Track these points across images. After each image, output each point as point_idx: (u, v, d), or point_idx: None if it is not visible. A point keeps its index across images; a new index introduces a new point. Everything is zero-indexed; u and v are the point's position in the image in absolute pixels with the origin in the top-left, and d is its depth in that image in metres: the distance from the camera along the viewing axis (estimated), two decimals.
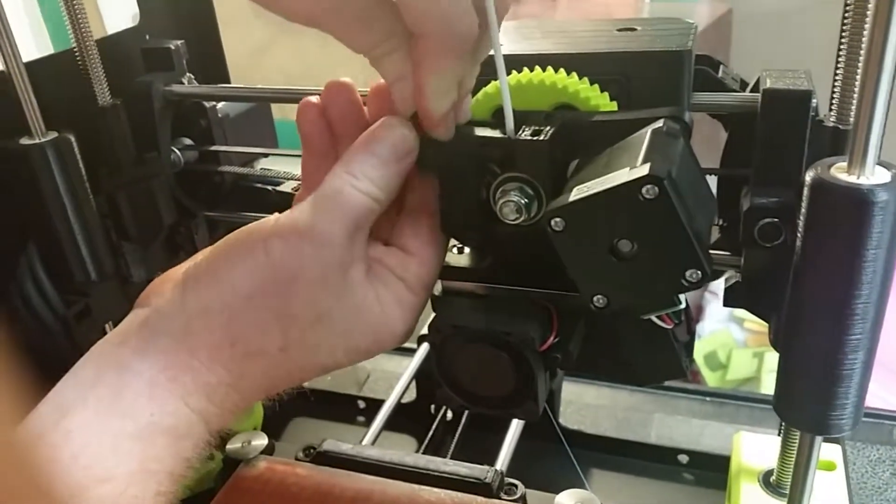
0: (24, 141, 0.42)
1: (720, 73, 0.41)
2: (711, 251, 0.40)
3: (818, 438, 0.34)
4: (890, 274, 0.29)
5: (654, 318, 0.34)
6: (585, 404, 0.69)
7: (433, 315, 0.38)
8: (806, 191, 0.29)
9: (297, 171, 0.53)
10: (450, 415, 0.67)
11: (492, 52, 0.34)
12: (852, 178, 0.28)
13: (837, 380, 0.30)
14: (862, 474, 0.60)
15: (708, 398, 0.68)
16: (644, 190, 0.29)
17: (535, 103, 0.36)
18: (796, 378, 0.32)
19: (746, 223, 0.36)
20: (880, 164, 0.28)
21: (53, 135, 0.43)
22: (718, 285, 1.24)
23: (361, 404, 0.72)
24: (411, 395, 0.69)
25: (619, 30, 0.39)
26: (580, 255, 0.31)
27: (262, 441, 0.53)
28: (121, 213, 0.48)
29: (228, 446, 0.53)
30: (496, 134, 0.35)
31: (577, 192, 0.30)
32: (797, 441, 0.38)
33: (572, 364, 0.36)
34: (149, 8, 0.53)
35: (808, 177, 0.29)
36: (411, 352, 0.69)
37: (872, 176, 0.28)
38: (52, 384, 0.45)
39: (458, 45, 0.31)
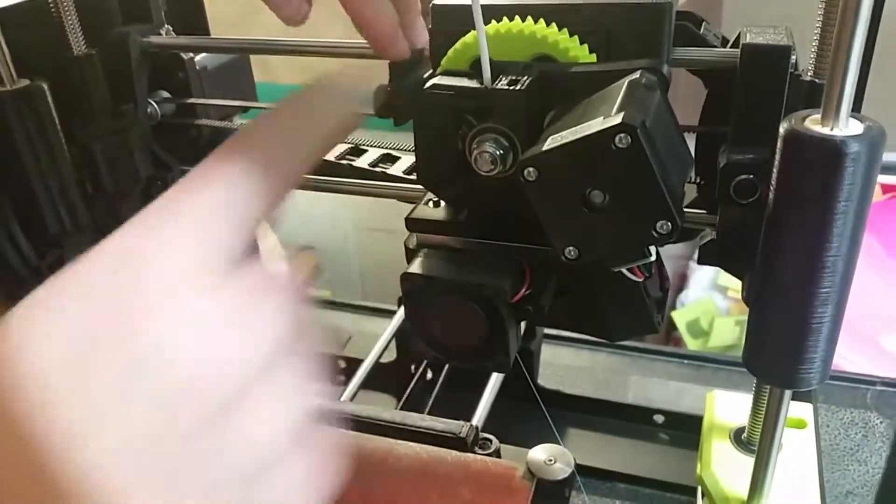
0: None
1: (702, 30, 0.41)
2: (688, 209, 0.40)
3: (787, 393, 0.35)
4: (860, 227, 0.29)
5: (624, 271, 0.34)
6: (564, 366, 0.69)
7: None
8: (780, 142, 0.29)
9: None
10: (429, 374, 0.67)
11: (470, 2, 0.34)
12: (825, 130, 0.28)
13: (807, 333, 0.31)
14: (835, 436, 0.61)
15: (686, 361, 0.68)
16: (617, 139, 0.29)
17: (514, 54, 0.36)
18: (766, 332, 0.32)
19: (723, 180, 0.36)
20: (853, 116, 0.28)
21: (25, 82, 0.42)
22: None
23: (342, 364, 0.72)
24: (391, 356, 0.69)
25: None
26: (552, 206, 0.31)
27: None
28: (96, 165, 0.47)
29: None
30: (473, 84, 0.35)
31: (551, 142, 0.30)
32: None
33: (543, 317, 0.36)
34: None
35: (783, 128, 0.29)
36: (393, 313, 0.70)
37: (846, 128, 0.28)
38: None
39: None
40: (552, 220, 0.32)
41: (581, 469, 0.46)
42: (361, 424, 0.49)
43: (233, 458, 0.20)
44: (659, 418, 0.60)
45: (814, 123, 0.28)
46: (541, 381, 0.64)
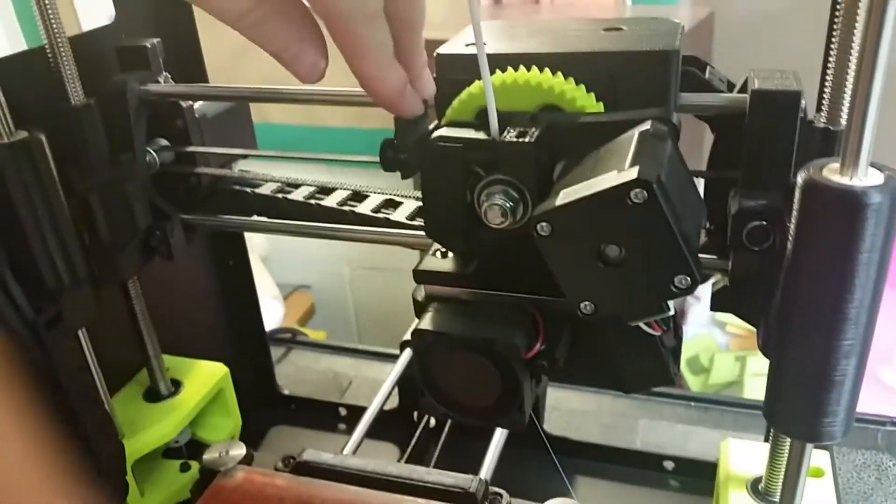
0: None
1: (707, 75, 0.41)
2: (699, 255, 0.40)
3: (809, 446, 0.34)
4: (882, 278, 0.28)
5: (642, 325, 0.33)
6: (570, 410, 0.68)
7: (416, 321, 0.37)
8: (798, 192, 0.29)
9: (277, 174, 0.52)
10: (433, 422, 0.66)
11: (475, 51, 0.33)
12: (845, 180, 0.27)
13: (830, 386, 0.30)
14: (847, 479, 0.59)
15: (693, 403, 0.67)
16: (632, 194, 0.28)
17: (520, 104, 0.35)
18: (787, 384, 0.31)
19: (734, 226, 0.36)
20: (873, 165, 0.28)
21: (23, 134, 0.41)
22: (702, 289, 1.24)
23: (343, 412, 0.71)
24: (394, 402, 0.68)
25: (606, 29, 0.39)
26: (567, 261, 0.31)
27: (240, 451, 0.51)
28: (94, 216, 0.46)
29: (205, 456, 0.51)
30: (480, 135, 0.34)
31: (564, 196, 0.30)
32: (786, 448, 0.38)
33: (558, 372, 0.35)
34: (125, 5, 0.52)
35: (800, 178, 0.28)
36: (394, 358, 0.68)
37: (865, 177, 0.27)
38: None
39: (356, 8, 0.30)
40: (567, 275, 0.31)
41: None
42: (366, 480, 0.48)
43: None
44: (669, 464, 0.59)
45: (832, 173, 0.28)
46: (547, 427, 0.63)
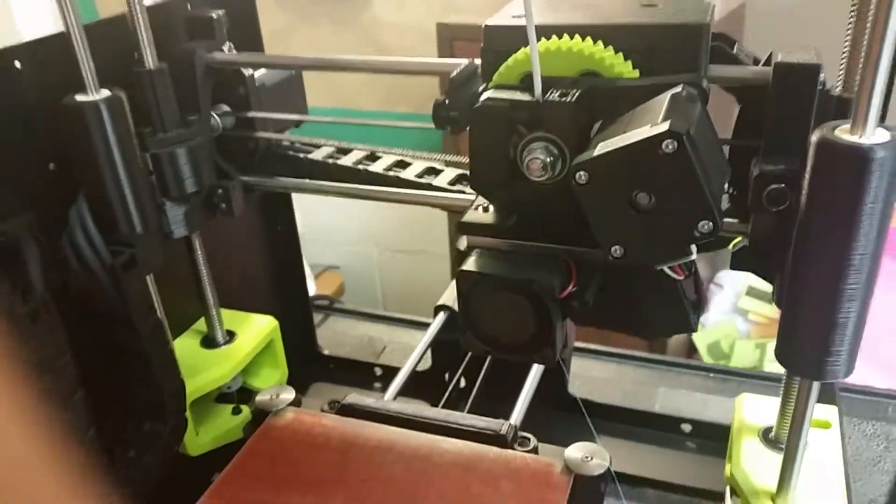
0: (80, 97, 0.45)
1: (735, 50, 0.44)
2: (720, 206, 0.43)
3: (815, 386, 0.37)
4: (885, 228, 0.32)
5: (666, 269, 0.36)
6: (593, 377, 0.72)
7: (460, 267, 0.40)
8: (811, 150, 0.32)
9: (328, 139, 0.56)
10: (463, 383, 0.70)
11: (522, 23, 0.37)
12: (854, 138, 0.30)
13: (835, 327, 0.33)
14: (857, 447, 0.62)
15: (711, 374, 0.71)
16: (664, 144, 0.32)
17: (562, 69, 0.39)
18: (797, 328, 0.35)
19: (755, 189, 0.39)
20: (880, 126, 0.31)
21: (106, 93, 0.45)
22: (723, 279, 1.29)
23: (378, 371, 0.75)
24: (426, 364, 0.71)
25: (643, 5, 0.42)
26: (601, 208, 0.34)
27: (289, 395, 0.56)
28: (164, 172, 0.51)
29: (258, 398, 0.55)
30: (525, 97, 0.38)
31: (602, 147, 0.33)
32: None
33: (588, 312, 0.39)
34: None
35: (814, 137, 0.32)
36: (426, 326, 0.72)
37: (873, 136, 0.30)
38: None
39: None
40: (600, 221, 0.34)
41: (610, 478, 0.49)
42: (406, 422, 0.52)
43: None
44: (686, 427, 0.62)
45: (843, 133, 0.31)
46: (571, 391, 0.66)
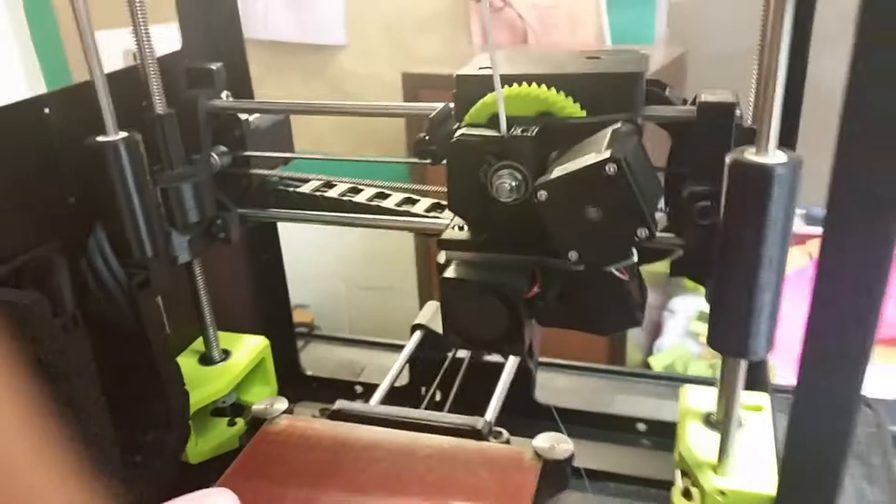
0: (101, 138, 0.51)
1: (667, 93, 0.52)
2: (661, 234, 0.51)
3: (742, 363, 0.44)
4: (788, 231, 0.39)
5: (613, 271, 0.44)
6: (557, 388, 0.78)
7: (441, 275, 0.47)
8: (726, 170, 0.40)
9: (315, 174, 0.63)
10: (438, 395, 0.76)
11: (489, 73, 0.44)
12: (759, 159, 0.38)
13: (752, 313, 0.40)
14: (782, 437, 0.70)
15: (664, 381, 0.78)
16: (607, 168, 0.39)
17: (523, 111, 0.46)
18: (723, 316, 0.42)
19: (687, 207, 0.47)
20: (780, 149, 0.39)
21: (124, 134, 0.52)
22: (677, 304, 1.39)
23: (359, 389, 0.80)
24: (404, 380, 0.77)
25: (588, 57, 0.50)
26: (559, 220, 0.41)
27: (283, 405, 0.61)
28: (170, 204, 0.57)
29: (254, 407, 0.61)
30: (492, 133, 0.45)
31: (558, 171, 0.41)
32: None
33: (551, 313, 0.46)
34: (190, 36, 0.63)
35: (728, 159, 0.39)
36: (400, 348, 0.78)
37: (774, 157, 0.38)
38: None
39: None
40: (558, 231, 0.42)
41: (573, 470, 0.55)
42: (391, 423, 0.58)
43: None
44: (641, 426, 0.69)
45: (750, 155, 0.39)
46: (537, 398, 0.73)
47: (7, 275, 0.47)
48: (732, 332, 0.41)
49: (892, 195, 0.33)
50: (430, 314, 0.75)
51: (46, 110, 0.51)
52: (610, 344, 1.40)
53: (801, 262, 1.38)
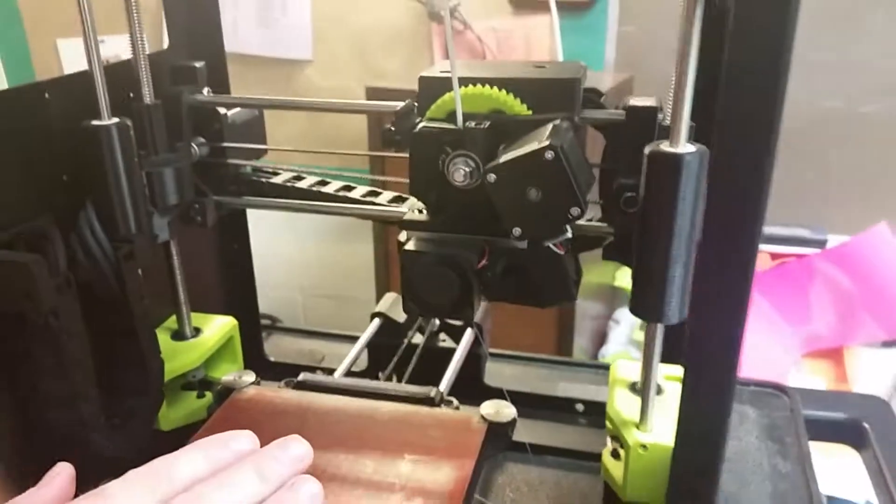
0: (96, 122, 0.56)
1: (602, 100, 0.59)
2: (595, 223, 0.58)
3: (659, 328, 0.51)
4: (697, 210, 0.46)
5: (552, 246, 0.50)
6: (504, 374, 0.85)
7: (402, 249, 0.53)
8: (645, 160, 0.47)
9: (286, 166, 0.69)
10: (394, 379, 0.81)
11: (449, 75, 0.51)
12: (671, 149, 0.45)
13: (666, 282, 0.47)
14: None
15: (602, 370, 0.85)
16: (546, 154, 0.46)
17: (477, 108, 0.53)
18: (642, 285, 0.49)
19: (615, 197, 0.54)
20: (690, 142, 0.46)
21: (116, 120, 0.57)
22: (620, 316, 1.50)
23: (320, 374, 0.85)
24: (363, 366, 0.83)
25: (535, 66, 0.57)
26: (506, 199, 0.48)
27: (250, 377, 0.67)
28: (153, 186, 0.62)
29: (224, 378, 0.66)
30: (450, 126, 0.52)
31: (505, 157, 0.47)
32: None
33: (497, 285, 0.52)
34: (175, 37, 0.69)
35: (647, 151, 0.47)
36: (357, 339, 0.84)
37: (684, 148, 0.45)
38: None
39: None
40: (504, 209, 0.48)
41: (518, 445, 0.62)
42: (352, 392, 0.63)
43: None
44: (579, 407, 0.76)
45: (665, 146, 0.46)
46: (486, 382, 0.79)
47: (6, 241, 0.52)
48: (650, 300, 0.48)
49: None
50: (389, 303, 0.81)
51: (46, 95, 0.56)
52: (557, 351, 1.47)
53: None
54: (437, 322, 0.81)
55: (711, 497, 0.50)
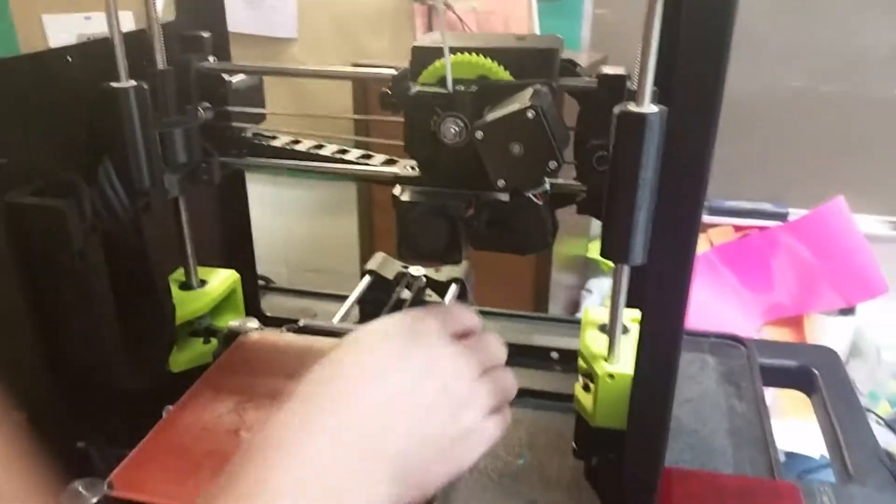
0: (115, 84, 0.61)
1: (577, 70, 0.66)
2: (570, 182, 0.64)
3: (625, 269, 0.58)
4: (658, 161, 0.53)
5: (531, 196, 0.57)
6: (486, 328, 0.91)
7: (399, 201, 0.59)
8: (614, 119, 0.53)
9: (285, 129, 0.75)
10: None
11: (440, 45, 0.57)
12: (637, 109, 0.52)
13: (631, 226, 0.54)
14: (682, 368, 0.84)
15: (576, 325, 0.92)
16: (528, 113, 0.52)
17: (465, 74, 0.59)
18: (610, 231, 0.55)
19: (588, 157, 0.60)
20: (653, 103, 0.52)
21: (134, 83, 0.62)
22: (593, 284, 1.58)
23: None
24: (354, 320, 0.89)
25: (517, 38, 0.63)
26: (492, 154, 0.54)
27: (255, 324, 0.72)
28: (165, 146, 0.67)
29: (230, 324, 0.72)
30: (441, 90, 0.58)
31: (491, 116, 0.54)
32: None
33: (482, 235, 0.59)
34: (183, 9, 0.74)
35: (615, 110, 0.53)
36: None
37: (648, 108, 0.52)
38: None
39: None
40: (490, 163, 0.54)
41: None
42: (329, 333, 0.70)
43: None
44: (555, 355, 0.83)
45: (632, 107, 0.52)
46: None
47: (38, 190, 0.57)
48: (617, 243, 0.55)
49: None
50: (379, 261, 0.88)
51: (69, 58, 0.61)
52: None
53: (702, 248, 1.56)
54: (424, 279, 0.87)
55: (665, 417, 0.57)
